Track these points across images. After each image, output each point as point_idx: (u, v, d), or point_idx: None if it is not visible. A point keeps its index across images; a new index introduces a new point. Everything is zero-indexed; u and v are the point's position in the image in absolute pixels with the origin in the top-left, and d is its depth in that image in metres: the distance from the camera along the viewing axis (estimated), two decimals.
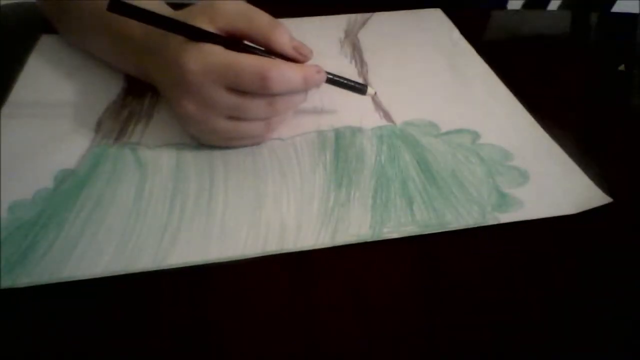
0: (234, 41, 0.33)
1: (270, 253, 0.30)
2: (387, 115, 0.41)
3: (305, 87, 0.34)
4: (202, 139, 0.36)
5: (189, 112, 0.34)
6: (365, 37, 0.51)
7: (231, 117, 0.34)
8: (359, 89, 0.38)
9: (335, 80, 0.37)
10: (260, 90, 0.32)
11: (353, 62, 0.47)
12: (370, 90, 0.39)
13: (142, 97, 0.41)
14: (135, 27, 0.36)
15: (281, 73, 0.32)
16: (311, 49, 0.35)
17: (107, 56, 0.43)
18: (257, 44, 0.34)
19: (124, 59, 0.41)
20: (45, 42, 0.47)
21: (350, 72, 0.45)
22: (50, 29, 0.47)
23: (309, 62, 0.35)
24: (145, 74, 0.39)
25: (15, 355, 0.25)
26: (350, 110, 0.40)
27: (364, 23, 0.53)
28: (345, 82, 0.38)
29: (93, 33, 0.42)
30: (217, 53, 0.32)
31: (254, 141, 0.37)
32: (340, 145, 0.37)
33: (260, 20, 0.34)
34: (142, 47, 0.37)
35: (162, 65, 0.35)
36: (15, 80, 0.42)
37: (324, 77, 0.35)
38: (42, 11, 0.47)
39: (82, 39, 0.44)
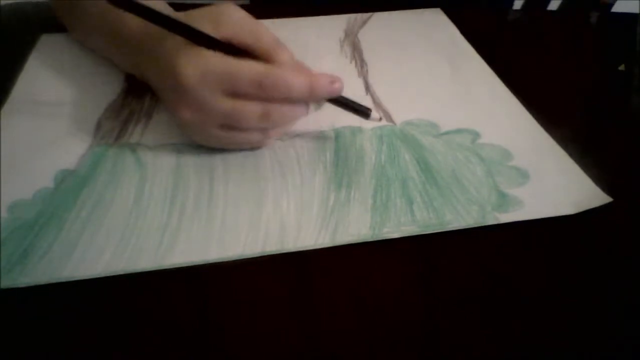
0: (237, 50, 0.32)
1: (270, 253, 0.30)
2: (387, 115, 0.41)
3: (312, 97, 0.33)
4: (200, 142, 0.36)
5: (185, 118, 0.33)
6: (366, 37, 0.51)
7: (226, 127, 0.33)
8: (363, 112, 0.36)
9: (339, 101, 0.35)
10: (258, 92, 0.31)
11: (353, 62, 0.47)
12: (374, 114, 0.36)
13: (142, 97, 0.41)
14: (132, 27, 0.36)
15: (282, 76, 0.31)
16: (311, 71, 0.34)
17: (107, 55, 0.43)
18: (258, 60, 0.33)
19: (122, 59, 0.41)
20: (45, 42, 0.47)
21: (350, 71, 0.45)
22: (50, 29, 0.47)
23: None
24: (142, 75, 0.39)
25: (15, 355, 0.25)
26: None
27: (364, 23, 0.53)
28: (350, 103, 0.36)
29: (94, 31, 0.42)
30: (215, 59, 0.31)
31: (253, 146, 0.37)
32: (341, 145, 0.37)
33: (266, 37, 0.33)
34: (139, 48, 0.37)
35: (158, 69, 0.34)
36: (15, 80, 0.42)
37: (340, 88, 0.33)
38: (54, 9, 0.46)
39: (86, 37, 0.45)
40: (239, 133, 0.34)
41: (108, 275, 0.28)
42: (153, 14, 0.32)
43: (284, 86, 0.32)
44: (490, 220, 0.32)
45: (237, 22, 0.33)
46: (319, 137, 0.38)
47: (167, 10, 0.37)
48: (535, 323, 0.28)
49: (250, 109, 0.32)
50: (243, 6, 0.34)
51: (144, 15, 0.32)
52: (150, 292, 0.28)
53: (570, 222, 0.33)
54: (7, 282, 0.28)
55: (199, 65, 0.31)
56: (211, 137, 0.35)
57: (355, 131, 0.39)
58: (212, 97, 0.32)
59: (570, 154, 0.37)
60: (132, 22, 0.32)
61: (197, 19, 0.32)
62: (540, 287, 0.29)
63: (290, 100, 0.33)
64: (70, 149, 0.36)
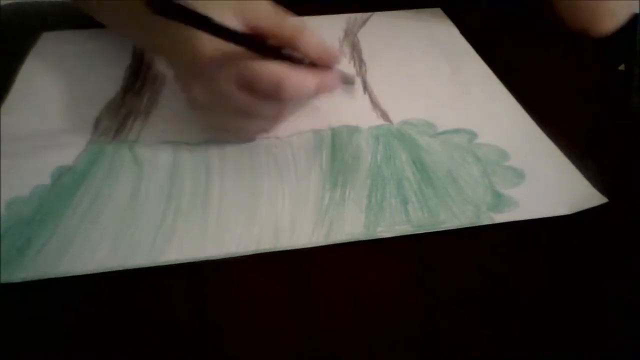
0: (257, 42, 0.32)
1: (265, 251, 0.30)
2: (384, 114, 0.41)
3: (317, 94, 0.34)
4: (203, 121, 0.37)
5: (197, 97, 0.34)
6: (365, 37, 0.51)
7: (237, 113, 0.34)
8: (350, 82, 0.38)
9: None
10: (274, 95, 0.32)
11: (352, 61, 0.47)
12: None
13: (140, 95, 0.41)
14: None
15: (297, 82, 0.32)
16: (337, 54, 0.35)
17: (118, 26, 0.42)
18: (281, 46, 0.33)
19: (134, 30, 0.39)
20: (45, 40, 0.47)
21: (348, 71, 0.45)
22: (51, 28, 0.47)
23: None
24: (154, 47, 0.39)
25: (11, 350, 0.26)
26: (348, 109, 0.40)
27: (363, 23, 0.53)
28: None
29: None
30: (236, 53, 0.31)
31: (252, 136, 0.37)
32: (337, 145, 0.37)
33: (288, 26, 0.33)
34: (151, 20, 0.35)
35: (173, 42, 0.34)
36: (14, 78, 0.42)
37: (337, 86, 0.35)
38: None
39: (97, 8, 0.43)
40: (248, 120, 0.35)
41: (104, 271, 0.29)
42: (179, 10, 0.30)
43: (297, 91, 0.32)
44: (485, 220, 0.32)
45: (261, 11, 0.33)
46: (316, 136, 0.38)
47: None
48: (534, 323, 0.27)
49: (261, 107, 0.33)
50: None
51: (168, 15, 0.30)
52: (149, 291, 0.28)
53: (566, 222, 0.32)
54: (5, 277, 0.28)
55: (219, 50, 0.31)
56: (216, 119, 0.36)
57: (352, 130, 0.39)
58: (227, 88, 0.32)
59: (571, 154, 0.37)
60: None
61: (213, 3, 0.31)
62: (538, 287, 0.29)
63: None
64: (68, 146, 0.36)
